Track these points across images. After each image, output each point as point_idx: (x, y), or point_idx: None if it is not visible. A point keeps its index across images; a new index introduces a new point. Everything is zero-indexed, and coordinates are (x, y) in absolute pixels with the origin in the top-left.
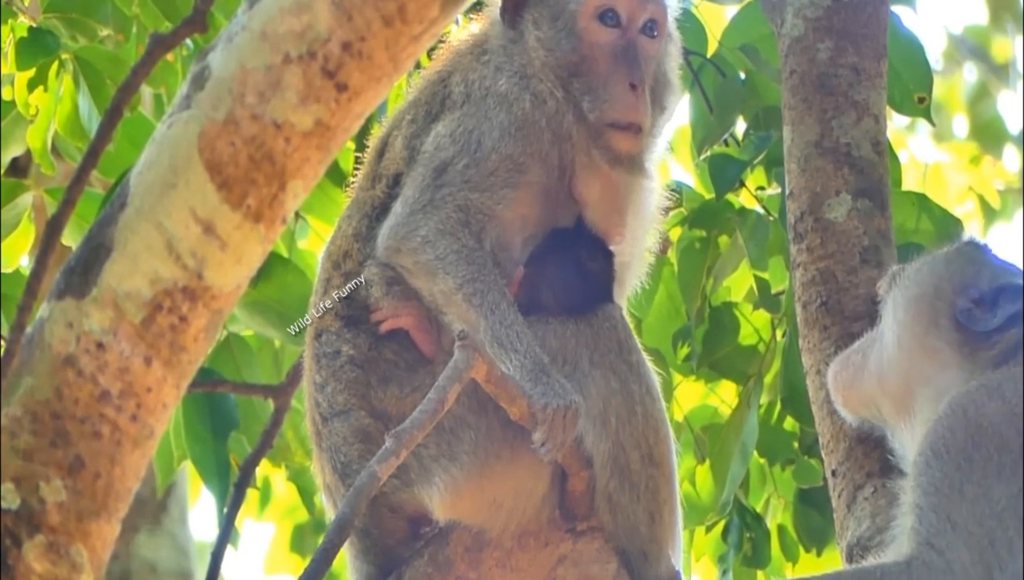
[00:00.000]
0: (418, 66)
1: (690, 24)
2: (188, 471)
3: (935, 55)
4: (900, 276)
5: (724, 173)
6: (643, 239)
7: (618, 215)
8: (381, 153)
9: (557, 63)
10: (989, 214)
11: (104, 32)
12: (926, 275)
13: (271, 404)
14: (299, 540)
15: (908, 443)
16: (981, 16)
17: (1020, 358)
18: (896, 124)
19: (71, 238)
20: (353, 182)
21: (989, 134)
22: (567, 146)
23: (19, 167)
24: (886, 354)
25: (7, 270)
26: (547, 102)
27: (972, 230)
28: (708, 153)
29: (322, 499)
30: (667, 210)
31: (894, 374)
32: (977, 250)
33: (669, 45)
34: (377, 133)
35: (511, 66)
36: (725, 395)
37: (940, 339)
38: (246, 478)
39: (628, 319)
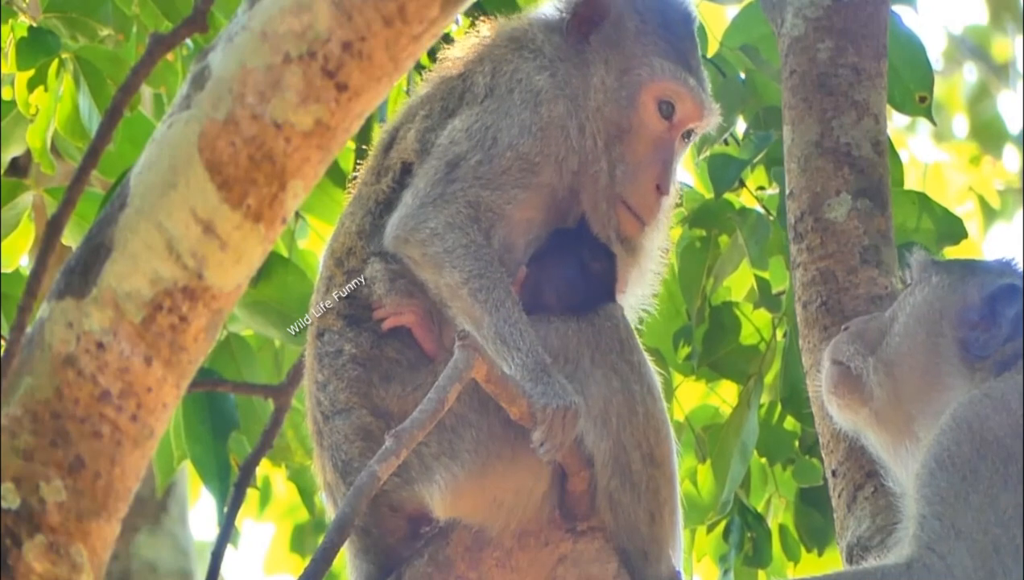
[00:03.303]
0: (419, 67)
1: None
2: (188, 471)
3: (935, 55)
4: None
5: (724, 173)
6: (647, 275)
7: (621, 267)
8: (388, 147)
9: (610, 117)
10: (989, 214)
11: (104, 32)
12: (926, 315)
13: (271, 404)
14: (299, 540)
15: (907, 459)
16: (981, 16)
17: (1020, 364)
18: (896, 124)
19: (71, 238)
20: (355, 178)
21: (989, 134)
22: (592, 186)
23: (19, 167)
24: (891, 395)
25: (7, 270)
26: (586, 139)
27: (972, 230)
28: (708, 153)
29: (322, 498)
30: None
31: (899, 408)
32: (964, 268)
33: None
34: (380, 130)
35: (560, 75)
36: (725, 395)
37: (948, 373)
38: (246, 478)
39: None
